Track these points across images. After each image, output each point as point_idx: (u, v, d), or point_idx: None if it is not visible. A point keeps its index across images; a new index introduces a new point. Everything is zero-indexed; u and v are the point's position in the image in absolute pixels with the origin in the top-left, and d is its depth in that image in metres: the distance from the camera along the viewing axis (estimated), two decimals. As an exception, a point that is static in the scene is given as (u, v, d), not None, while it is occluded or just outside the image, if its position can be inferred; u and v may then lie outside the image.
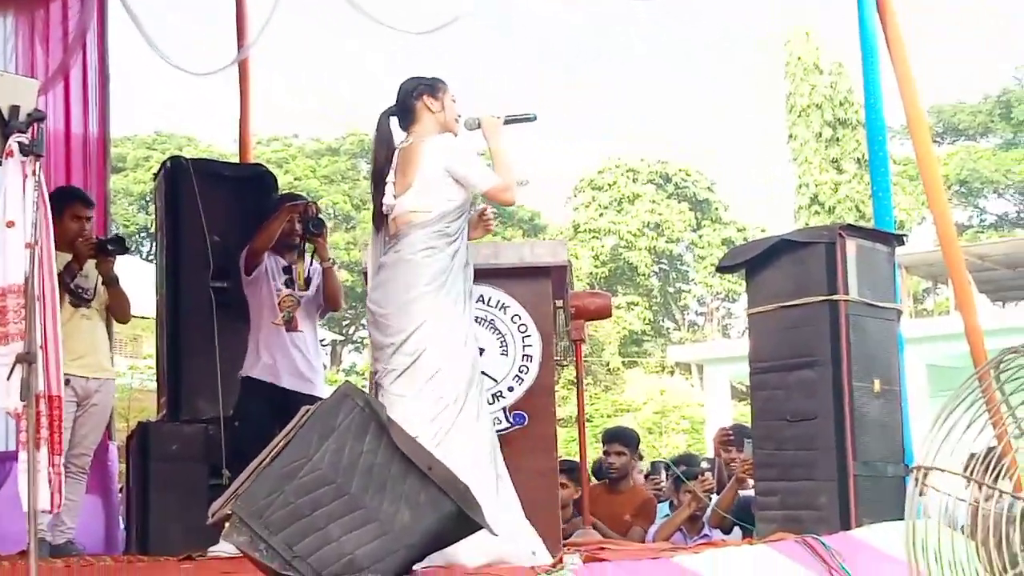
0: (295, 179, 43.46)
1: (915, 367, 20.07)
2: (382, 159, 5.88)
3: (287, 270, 7.82)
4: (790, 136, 40.95)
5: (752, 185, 50.04)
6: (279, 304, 7.71)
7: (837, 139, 39.98)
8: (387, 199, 5.78)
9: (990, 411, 3.73)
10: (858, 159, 38.12)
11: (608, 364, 41.52)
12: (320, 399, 7.72)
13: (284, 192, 7.99)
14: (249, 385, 7.72)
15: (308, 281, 7.87)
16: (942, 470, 3.42)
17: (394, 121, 5.96)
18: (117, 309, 7.99)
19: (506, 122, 5.93)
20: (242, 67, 9.93)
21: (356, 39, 56.73)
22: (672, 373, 40.60)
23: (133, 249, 40.60)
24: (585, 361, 7.65)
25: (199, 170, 8.50)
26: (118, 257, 7.85)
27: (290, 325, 7.71)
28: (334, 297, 8.00)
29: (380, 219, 5.89)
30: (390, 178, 5.80)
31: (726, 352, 29.40)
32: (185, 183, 8.38)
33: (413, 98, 5.88)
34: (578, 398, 7.55)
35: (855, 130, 38.27)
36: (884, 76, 7.93)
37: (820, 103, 39.88)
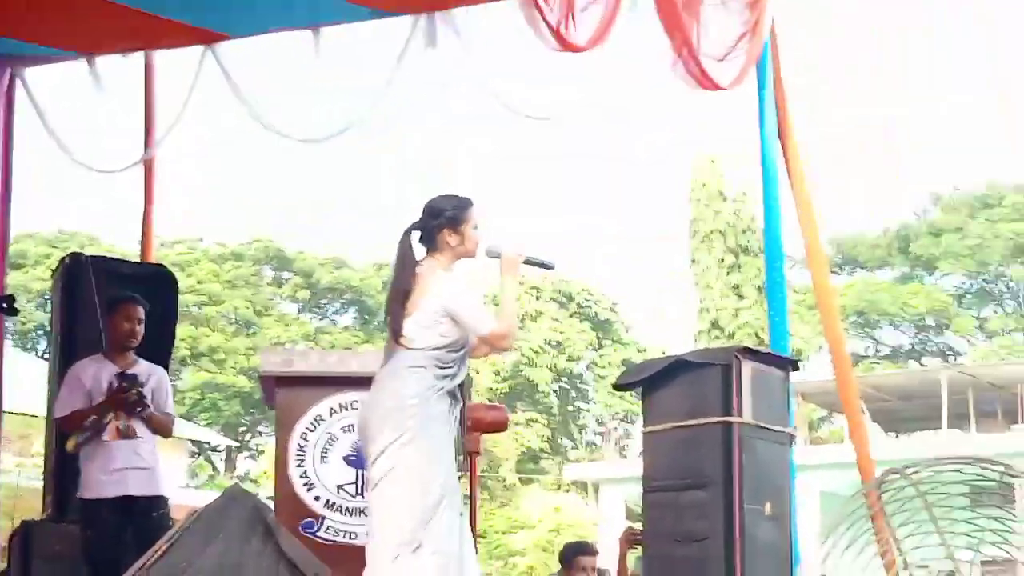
0: (198, 282, 43.24)
1: (809, 494, 20.23)
2: (404, 279, 5.81)
3: (121, 376, 7.59)
4: (693, 261, 41.40)
5: (654, 308, 50.43)
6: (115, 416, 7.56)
7: (739, 266, 40.49)
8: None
9: (876, 532, 3.77)
10: (759, 286, 38.55)
11: (505, 480, 41.37)
12: (163, 498, 7.68)
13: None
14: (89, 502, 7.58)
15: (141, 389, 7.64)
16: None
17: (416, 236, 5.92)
18: None
19: (526, 262, 5.93)
20: (147, 167, 9.89)
21: (263, 146, 56.77)
22: (568, 491, 40.51)
23: (29, 347, 40.06)
24: (482, 476, 7.63)
25: (98, 268, 8.42)
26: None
27: (127, 432, 7.57)
28: (162, 432, 7.88)
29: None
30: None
31: (622, 472, 29.44)
32: (83, 281, 8.28)
33: (434, 228, 5.84)
34: (471, 511, 7.52)
35: (757, 257, 38.75)
36: (786, 205, 8.04)
37: (723, 229, 40.40)
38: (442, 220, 5.85)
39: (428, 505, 5.51)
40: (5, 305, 7.70)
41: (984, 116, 64.33)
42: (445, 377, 5.71)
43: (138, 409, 7.55)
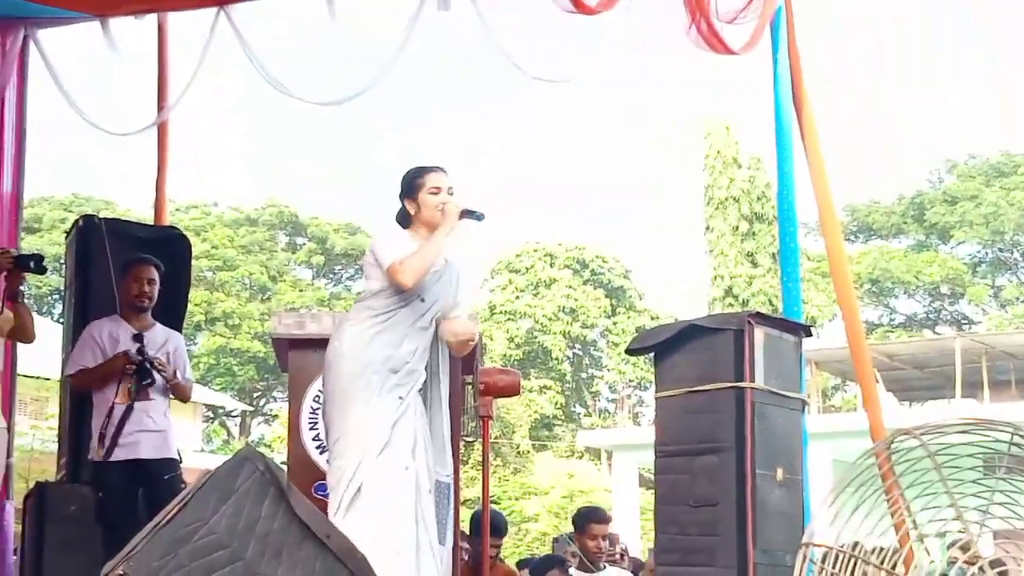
0: (212, 247, 43.28)
1: (821, 462, 20.16)
2: None
3: (137, 338, 7.66)
4: (707, 228, 41.33)
5: (667, 275, 50.40)
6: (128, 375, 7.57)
7: (753, 233, 40.41)
8: None
9: (886, 493, 3.76)
10: (773, 254, 38.47)
11: (518, 447, 41.48)
12: (175, 460, 7.73)
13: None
14: (100, 465, 7.62)
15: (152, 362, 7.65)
16: (829, 547, 3.44)
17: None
18: (22, 328, 7.66)
19: (461, 213, 5.91)
20: (161, 130, 9.88)
21: (279, 110, 56.73)
22: (581, 458, 40.59)
23: (45, 311, 40.14)
24: (495, 443, 7.63)
25: (112, 230, 8.43)
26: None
27: (140, 395, 7.61)
28: (180, 396, 7.94)
29: None
30: None
31: (636, 439, 29.44)
32: (97, 242, 8.30)
33: (401, 201, 5.96)
34: (483, 474, 7.51)
35: (771, 225, 38.66)
36: (799, 171, 8.01)
37: (738, 196, 40.31)
38: (402, 193, 5.96)
39: (350, 462, 5.55)
40: (33, 264, 7.64)
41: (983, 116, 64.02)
42: (380, 323, 5.72)
43: (144, 382, 7.57)
